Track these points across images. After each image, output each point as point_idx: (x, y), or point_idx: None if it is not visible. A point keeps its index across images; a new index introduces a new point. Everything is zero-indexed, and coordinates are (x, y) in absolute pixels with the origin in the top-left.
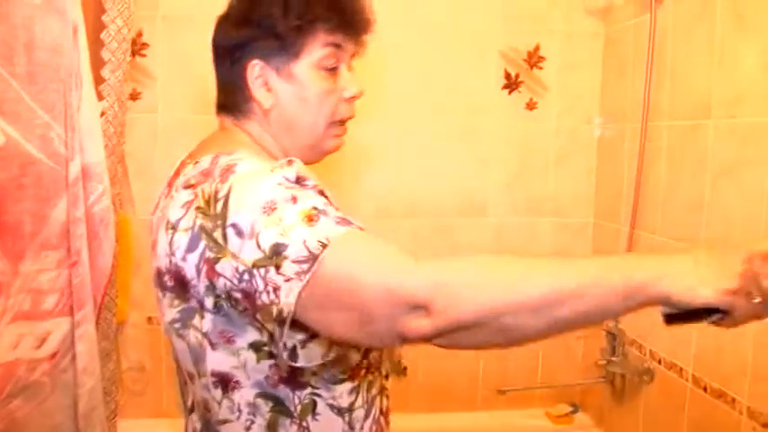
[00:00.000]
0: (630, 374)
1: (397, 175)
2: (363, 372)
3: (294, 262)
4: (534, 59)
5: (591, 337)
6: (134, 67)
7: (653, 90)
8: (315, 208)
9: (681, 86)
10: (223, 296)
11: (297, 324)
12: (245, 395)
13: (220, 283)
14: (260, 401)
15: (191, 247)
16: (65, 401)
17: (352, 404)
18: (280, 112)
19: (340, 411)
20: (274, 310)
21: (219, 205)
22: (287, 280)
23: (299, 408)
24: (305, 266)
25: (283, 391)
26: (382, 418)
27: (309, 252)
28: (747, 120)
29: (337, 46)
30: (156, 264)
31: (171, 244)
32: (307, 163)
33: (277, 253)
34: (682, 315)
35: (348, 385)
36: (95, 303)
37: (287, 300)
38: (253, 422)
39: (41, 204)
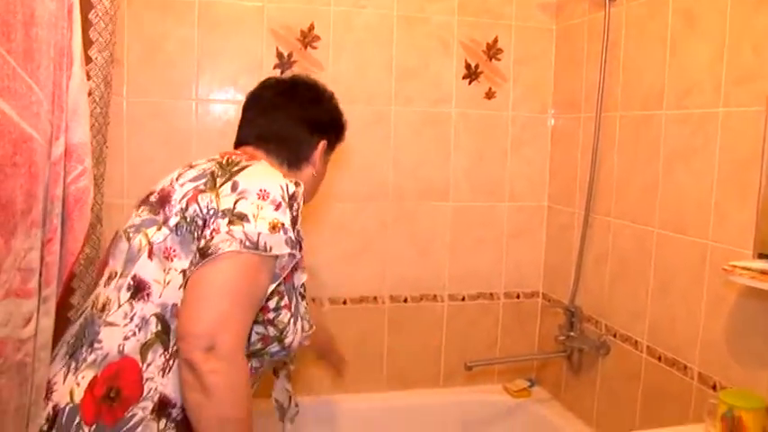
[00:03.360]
0: (588, 348)
1: (363, 161)
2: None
3: (245, 233)
4: (493, 51)
5: (549, 315)
6: None
7: (606, 83)
8: (283, 225)
9: (634, 79)
10: (188, 219)
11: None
12: (146, 308)
13: (191, 208)
14: (153, 320)
15: (193, 179)
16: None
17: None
18: (311, 176)
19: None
20: (202, 243)
21: (235, 169)
22: (228, 233)
23: (175, 346)
24: (248, 243)
25: (176, 324)
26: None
27: (255, 241)
28: (697, 111)
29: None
30: (154, 187)
31: (181, 176)
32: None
33: (240, 218)
34: None
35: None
36: (61, 282)
37: (223, 245)
38: (134, 335)
39: (33, 182)
